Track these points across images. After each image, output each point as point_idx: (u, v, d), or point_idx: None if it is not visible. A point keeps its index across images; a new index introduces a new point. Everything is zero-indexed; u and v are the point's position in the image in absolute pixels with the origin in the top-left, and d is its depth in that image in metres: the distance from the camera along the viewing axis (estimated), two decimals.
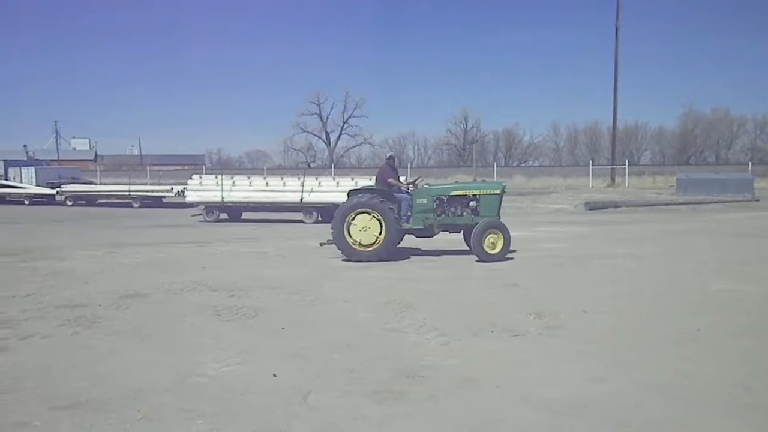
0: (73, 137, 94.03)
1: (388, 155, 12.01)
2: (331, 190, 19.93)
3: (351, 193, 11.18)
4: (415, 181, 11.69)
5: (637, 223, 18.04)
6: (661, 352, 5.37)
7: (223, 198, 20.43)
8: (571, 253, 11.33)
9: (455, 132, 79.68)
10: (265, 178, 22.14)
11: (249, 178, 22.25)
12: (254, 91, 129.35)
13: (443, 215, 11.09)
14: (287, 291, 8.08)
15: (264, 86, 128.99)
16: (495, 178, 41.47)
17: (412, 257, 11.09)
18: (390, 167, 11.51)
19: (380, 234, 10.58)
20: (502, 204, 11.36)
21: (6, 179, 33.59)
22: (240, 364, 5.11)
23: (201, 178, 22.66)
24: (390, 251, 10.67)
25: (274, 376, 4.79)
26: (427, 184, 11.87)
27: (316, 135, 78.20)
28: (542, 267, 9.90)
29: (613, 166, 39.02)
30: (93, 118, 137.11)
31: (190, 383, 4.66)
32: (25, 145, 66.05)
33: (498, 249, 10.39)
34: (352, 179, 20.71)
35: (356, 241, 10.62)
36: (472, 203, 11.10)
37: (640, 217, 20.41)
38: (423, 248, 12.07)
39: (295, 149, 77.82)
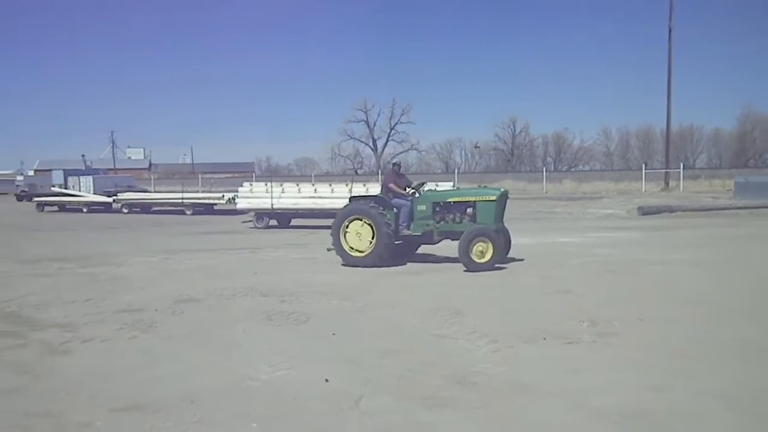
0: (129, 147, 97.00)
1: (393, 162, 12.00)
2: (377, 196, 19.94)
3: (352, 199, 11.42)
4: (418, 186, 11.42)
5: (693, 228, 17.50)
6: (723, 362, 5.19)
7: (272, 205, 20.70)
8: (625, 259, 11.07)
9: (503, 137, 79.06)
10: (313, 185, 22.36)
11: (298, 185, 22.51)
12: (302, 100, 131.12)
13: (442, 222, 10.87)
14: (337, 297, 8.13)
15: (312, 94, 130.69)
16: (544, 183, 41.08)
17: (459, 263, 10.99)
18: (395, 174, 11.57)
19: (372, 240, 10.65)
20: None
21: (66, 188, 34.90)
22: (292, 368, 5.16)
23: (251, 185, 23.02)
24: (382, 257, 10.60)
25: (326, 381, 4.82)
26: (429, 190, 11.69)
27: (363, 142, 78.88)
28: (595, 273, 9.70)
29: (667, 170, 37.99)
30: (147, 127, 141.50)
31: (244, 387, 4.74)
32: (83, 155, 68.35)
33: (487, 258, 9.97)
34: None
35: (352, 247, 10.81)
36: (470, 210, 10.77)
37: (696, 222, 19.79)
38: None
39: (342, 156, 78.63)
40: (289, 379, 4.91)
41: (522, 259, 11.18)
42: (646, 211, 23.13)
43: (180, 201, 28.70)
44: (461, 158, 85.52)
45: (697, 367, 5.07)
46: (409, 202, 11.01)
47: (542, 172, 46.69)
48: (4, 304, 7.82)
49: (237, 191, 23.67)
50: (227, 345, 5.98)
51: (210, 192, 34.94)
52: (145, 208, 29.82)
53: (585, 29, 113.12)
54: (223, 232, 19.49)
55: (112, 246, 15.03)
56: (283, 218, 21.07)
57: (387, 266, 10.56)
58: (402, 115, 76.86)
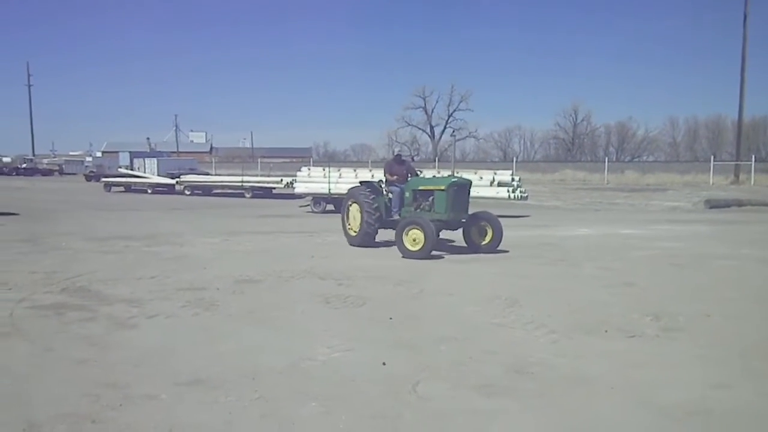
0: (191, 130, 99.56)
1: (396, 151, 12.61)
2: None
3: (361, 184, 12.13)
4: (412, 174, 11.88)
5: (764, 223, 16.79)
6: None
7: (329, 190, 20.89)
8: (691, 253, 10.71)
9: (564, 125, 77.38)
10: (370, 171, 22.44)
11: (355, 170, 22.66)
12: (360, 85, 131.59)
13: (418, 209, 11.06)
14: (392, 282, 8.15)
15: (370, 80, 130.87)
16: (606, 174, 39.99)
17: (519, 251, 10.87)
18: (395, 162, 12.02)
19: (361, 222, 11.35)
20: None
21: (131, 169, 36.10)
22: (349, 351, 5.20)
23: (309, 170, 23.34)
24: (364, 239, 11.31)
25: (383, 364, 4.84)
26: (420, 177, 12.10)
27: (420, 128, 78.36)
28: (659, 266, 9.42)
29: (738, 162, 36.41)
30: (209, 111, 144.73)
31: (303, 367, 4.81)
32: (147, 138, 70.48)
33: (420, 246, 9.99)
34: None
35: (350, 227, 11.69)
36: (431, 199, 10.94)
37: (766, 217, 18.96)
38: (532, 243, 11.81)
39: (399, 143, 78.30)
40: (346, 361, 4.95)
41: (581, 250, 10.95)
42: (713, 205, 22.34)
43: (240, 184, 29.30)
44: (520, 147, 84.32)
45: (764, 366, 4.87)
46: (400, 189, 11.42)
47: (604, 162, 45.50)
48: (75, 279, 8.15)
49: (295, 176, 24.02)
50: (286, 325, 6.08)
51: (268, 176, 35.50)
52: (206, 190, 30.57)
53: (652, 15, 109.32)
54: (281, 215, 19.80)
55: (175, 226, 15.47)
56: (339, 203, 21.19)
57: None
58: (461, 102, 75.89)
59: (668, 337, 5.69)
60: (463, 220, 10.98)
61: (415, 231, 10.11)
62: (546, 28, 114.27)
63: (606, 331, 5.83)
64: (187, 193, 30.38)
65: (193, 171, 35.06)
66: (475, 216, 11.04)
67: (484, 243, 10.83)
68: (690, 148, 76.10)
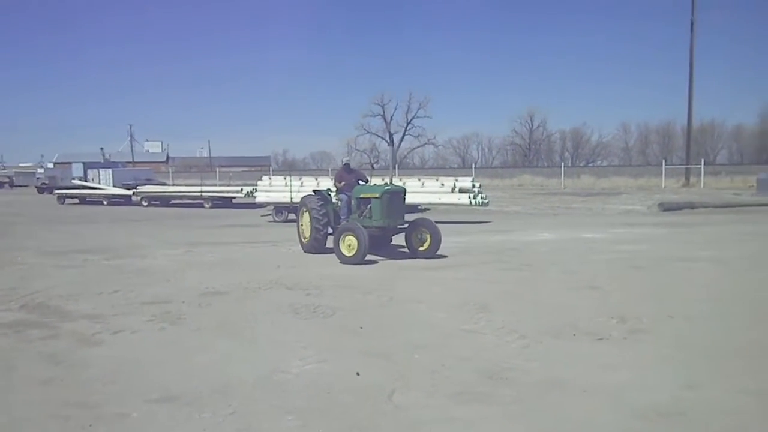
0: (147, 140, 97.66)
1: (344, 161, 12.96)
2: None
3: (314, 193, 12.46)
4: (363, 181, 12.17)
5: (717, 225, 17.31)
6: (757, 360, 5.14)
7: (291, 198, 20.71)
8: (650, 256, 10.96)
9: (520, 132, 78.59)
10: (332, 179, 22.35)
11: (317, 179, 22.51)
12: (319, 94, 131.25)
13: (362, 217, 11.31)
14: (361, 290, 8.13)
15: (329, 88, 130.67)
16: (562, 179, 40.70)
17: (484, 257, 10.98)
18: (345, 171, 12.29)
19: (310, 229, 11.74)
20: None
21: (86, 181, 35.21)
22: (322, 362, 5.16)
23: (270, 179, 23.10)
24: (314, 246, 11.66)
25: (358, 374, 4.82)
26: (364, 184, 12.24)
27: (379, 136, 78.48)
28: (621, 269, 9.62)
29: (688, 166, 37.55)
30: (164, 121, 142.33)
31: (277, 380, 4.75)
32: (101, 148, 68.64)
33: (354, 252, 10.31)
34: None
35: (302, 234, 12.03)
36: (369, 206, 11.24)
37: (718, 219, 19.56)
38: (496, 249, 11.94)
39: (358, 150, 78.28)
40: (320, 373, 4.91)
41: (545, 255, 11.12)
42: (667, 207, 22.91)
43: (199, 194, 28.84)
44: (478, 153, 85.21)
45: (732, 365, 5.01)
46: (347, 197, 11.72)
47: (560, 167, 46.30)
48: (34, 295, 7.90)
49: (255, 185, 23.78)
50: (256, 338, 6.01)
51: (228, 185, 35.07)
52: (164, 201, 30.00)
53: (605, 24, 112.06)
54: (243, 225, 19.57)
55: (135, 238, 15.14)
56: None
57: (319, 254, 11.43)
58: (419, 109, 76.29)
59: (635, 339, 5.80)
60: (402, 227, 11.33)
61: (349, 237, 10.47)
62: (501, 37, 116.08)
63: (574, 335, 5.92)
64: (145, 204, 29.75)
65: (149, 181, 34.37)
66: (415, 223, 11.34)
67: (422, 249, 11.03)
68: (642, 152, 78.08)
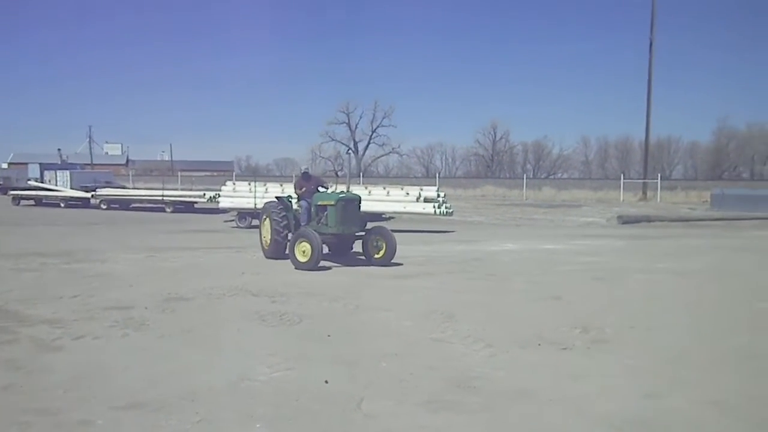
0: (106, 142, 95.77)
1: (303, 169, 13.36)
2: (363, 198, 19.98)
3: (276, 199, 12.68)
4: (320, 187, 12.38)
5: (673, 238, 17.78)
6: (717, 370, 5.29)
7: (255, 204, 20.56)
8: (611, 267, 11.21)
9: (483, 143, 79.54)
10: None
11: (281, 185, 22.36)
12: (283, 100, 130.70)
13: (320, 224, 11.45)
14: (327, 298, 8.10)
15: (293, 95, 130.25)
16: (524, 190, 41.28)
17: (450, 266, 11.07)
18: (303, 179, 12.56)
19: (270, 234, 11.92)
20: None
21: (42, 182, 34.32)
22: (290, 369, 5.13)
23: (234, 184, 22.89)
24: (275, 251, 11.75)
25: (326, 382, 4.81)
26: (324, 191, 12.49)
27: (344, 144, 78.58)
28: (582, 281, 9.81)
29: (645, 180, 38.53)
30: (125, 123, 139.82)
31: (244, 387, 4.70)
32: (59, 149, 67.03)
33: (308, 257, 10.44)
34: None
35: (265, 240, 12.14)
36: (326, 213, 11.43)
37: (674, 232, 20.11)
38: (461, 258, 12.04)
39: (323, 158, 78.23)
40: (288, 380, 4.88)
41: (509, 265, 11.27)
42: (626, 220, 23.46)
43: (160, 198, 28.41)
44: (442, 163, 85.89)
45: (692, 375, 5.15)
46: (307, 204, 11.89)
47: (522, 178, 47.00)
48: None
49: (218, 190, 23.53)
50: (222, 345, 5.94)
51: (190, 190, 34.59)
52: (124, 204, 29.47)
53: (566, 38, 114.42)
54: (206, 230, 19.33)
55: (95, 242, 14.82)
56: None
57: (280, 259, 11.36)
58: (384, 118, 76.85)
59: (598, 348, 5.92)
60: (359, 234, 11.50)
61: (304, 243, 10.56)
62: (465, 48, 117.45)
63: (539, 345, 6.01)
64: (104, 207, 29.17)
65: (109, 184, 33.71)
66: (371, 231, 11.49)
67: (377, 256, 11.17)
68: (601, 166, 79.83)
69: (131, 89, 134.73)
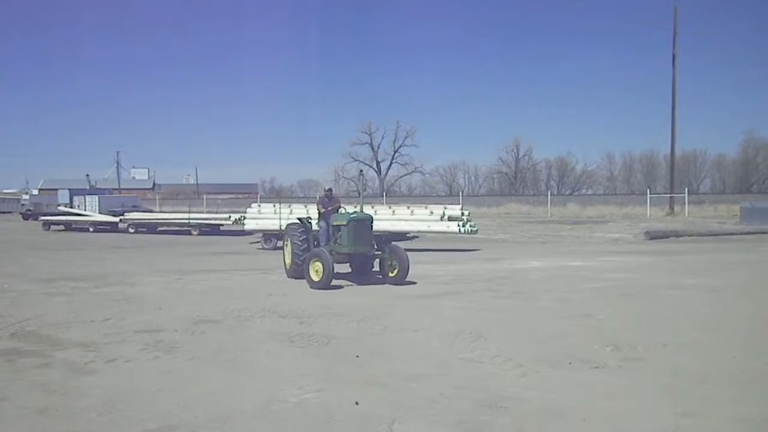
0: (133, 167, 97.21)
1: (326, 188, 13.70)
2: (387, 218, 20.07)
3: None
4: (336, 208, 12.64)
5: (703, 253, 17.50)
6: (752, 388, 5.18)
7: (281, 226, 20.68)
8: (640, 284, 11.06)
9: (506, 160, 79.21)
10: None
11: (306, 206, 22.54)
12: (306, 121, 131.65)
13: (336, 244, 11.67)
14: (355, 319, 8.11)
15: (316, 116, 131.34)
16: (549, 207, 41.01)
17: (477, 285, 11.01)
18: (326, 198, 12.86)
19: (291, 255, 12.11)
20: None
21: (71, 207, 34.98)
22: (320, 391, 5.14)
23: (259, 206, 23.12)
24: (296, 271, 11.76)
25: (356, 404, 4.80)
26: (344, 212, 12.76)
27: (367, 164, 78.88)
28: (612, 297, 9.68)
29: (672, 195, 38.02)
30: (151, 147, 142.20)
31: (275, 409, 4.72)
32: (87, 175, 68.25)
33: (320, 277, 10.62)
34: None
35: (287, 262, 12.37)
36: (340, 233, 11.62)
37: (704, 247, 19.79)
38: (487, 277, 11.98)
39: (346, 178, 78.59)
40: (318, 402, 4.88)
41: (536, 283, 11.17)
42: (653, 236, 23.15)
43: (187, 221, 28.76)
44: (465, 181, 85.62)
45: (727, 393, 5.04)
46: (326, 224, 12.17)
47: (546, 195, 46.74)
48: (24, 323, 7.80)
49: (243, 212, 23.77)
50: (252, 366, 5.97)
51: (216, 212, 34.97)
52: (151, 228, 29.89)
53: (588, 55, 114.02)
54: (232, 252, 19.50)
55: (124, 265, 15.03)
56: None
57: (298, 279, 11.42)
58: (406, 138, 77.06)
59: (630, 367, 5.84)
60: (372, 253, 11.64)
61: (317, 263, 10.78)
62: (486, 66, 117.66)
63: (570, 363, 5.94)
64: (131, 231, 29.62)
65: (136, 208, 34.26)
66: (386, 250, 11.60)
67: (392, 275, 11.30)
68: (626, 181, 78.84)
69: (157, 114, 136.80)
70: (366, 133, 77.45)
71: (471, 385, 5.30)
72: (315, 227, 12.46)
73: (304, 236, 12.14)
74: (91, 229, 31.34)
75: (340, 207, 12.89)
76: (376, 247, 11.70)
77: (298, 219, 12.90)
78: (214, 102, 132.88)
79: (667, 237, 23.25)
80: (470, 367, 5.86)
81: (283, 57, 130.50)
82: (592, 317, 8.14)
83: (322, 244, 11.94)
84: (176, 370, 5.79)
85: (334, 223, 11.81)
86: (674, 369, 5.75)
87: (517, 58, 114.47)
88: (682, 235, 23.58)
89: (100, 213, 32.88)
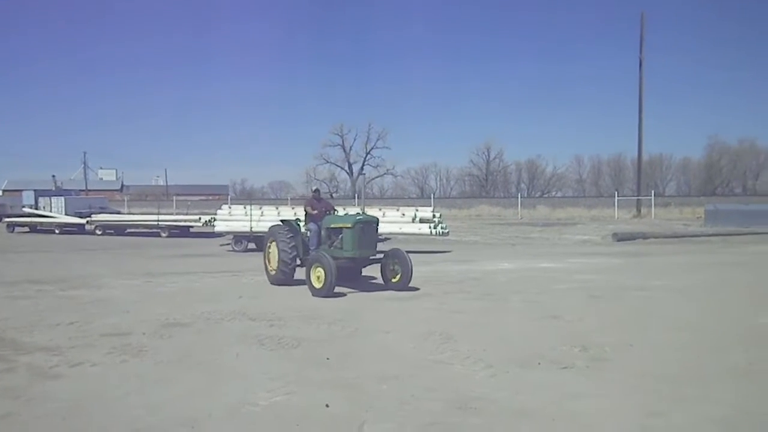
0: (101, 168, 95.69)
1: (313, 188, 13.20)
2: None
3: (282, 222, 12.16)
4: (327, 210, 11.96)
5: (669, 255, 17.83)
6: (717, 387, 5.28)
7: (252, 228, 20.58)
8: (607, 285, 11.22)
9: (477, 163, 79.82)
10: (293, 208, 22.31)
11: (277, 208, 22.47)
12: (277, 123, 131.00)
13: (331, 247, 11.05)
14: (326, 321, 8.09)
15: (287, 118, 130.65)
16: (519, 209, 41.41)
17: (447, 286, 11.06)
18: (314, 199, 12.29)
19: (278, 260, 11.34)
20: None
21: (37, 209, 34.24)
22: (290, 394, 5.11)
23: (230, 208, 22.92)
24: (281, 278, 11.26)
25: (327, 406, 4.79)
26: (336, 214, 12.19)
27: (338, 166, 78.88)
28: (580, 299, 9.81)
29: (639, 197, 38.73)
30: (119, 148, 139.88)
31: (245, 412, 4.68)
32: (53, 176, 67.09)
33: (322, 284, 10.06)
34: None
35: (271, 266, 11.62)
36: (340, 236, 10.97)
37: (670, 248, 20.17)
38: (458, 279, 12.03)
39: (318, 180, 78.41)
40: (289, 405, 4.86)
41: (506, 285, 11.26)
42: (621, 238, 23.50)
43: (155, 223, 28.36)
44: (436, 183, 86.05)
45: (692, 392, 5.14)
46: (317, 227, 11.49)
47: (516, 197, 47.20)
48: None
49: (214, 214, 23.54)
50: (221, 370, 5.90)
51: (185, 214, 34.55)
52: (119, 230, 29.42)
53: (558, 58, 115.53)
54: (202, 255, 19.29)
55: (90, 268, 14.76)
56: (262, 241, 20.84)
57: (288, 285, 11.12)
58: (378, 140, 77.22)
59: (598, 367, 5.92)
60: (374, 257, 11.07)
61: (318, 269, 10.20)
62: (458, 69, 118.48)
63: (539, 364, 6.00)
64: (99, 232, 29.10)
65: (103, 210, 33.65)
66: (388, 254, 11.10)
67: (394, 281, 10.87)
68: (595, 184, 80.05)
69: (125, 114, 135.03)
70: (338, 134, 77.52)
71: (441, 386, 5.32)
72: (303, 229, 11.78)
73: (293, 239, 11.37)
74: (57, 231, 30.72)
75: (334, 209, 12.28)
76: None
77: (283, 221, 12.15)
78: (183, 103, 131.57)
79: (635, 239, 23.64)
80: (441, 369, 5.88)
81: (254, 58, 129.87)
82: (561, 318, 8.24)
83: (312, 248, 11.33)
84: (144, 374, 5.71)
85: (333, 226, 11.17)
86: (641, 369, 5.84)
87: (489, 61, 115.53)
88: (648, 237, 23.99)
89: (66, 215, 32.20)
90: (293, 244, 11.32)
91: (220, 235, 22.62)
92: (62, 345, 6.74)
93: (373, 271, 11.65)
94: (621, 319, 8.22)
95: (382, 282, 11.16)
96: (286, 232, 11.47)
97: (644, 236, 24.16)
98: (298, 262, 11.36)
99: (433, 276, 12.72)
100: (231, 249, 20.74)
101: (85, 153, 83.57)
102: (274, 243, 11.56)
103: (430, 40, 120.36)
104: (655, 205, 37.96)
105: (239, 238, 20.83)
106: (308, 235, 11.60)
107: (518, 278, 12.42)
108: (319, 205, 12.03)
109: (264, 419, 4.55)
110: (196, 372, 5.82)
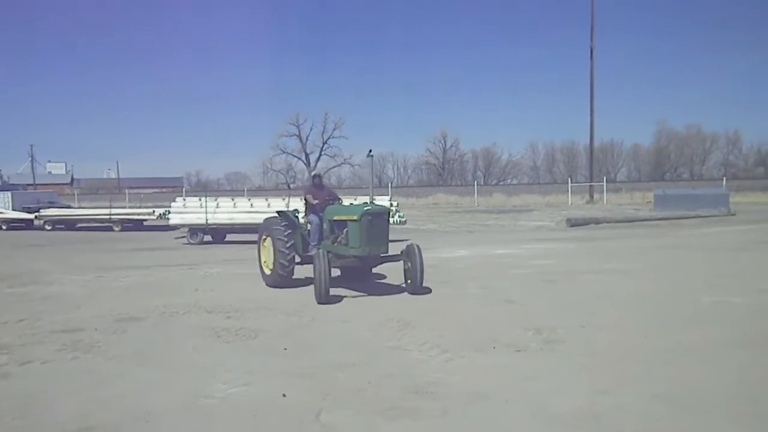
0: (49, 161, 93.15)
1: (313, 174, 11.76)
2: None
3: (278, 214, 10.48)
4: (331, 199, 10.42)
5: (620, 238, 18.29)
6: (662, 365, 5.48)
7: (207, 220, 20.29)
8: (561, 269, 11.46)
9: (434, 151, 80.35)
10: (249, 200, 22.09)
11: (233, 199, 22.17)
12: (233, 114, 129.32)
13: (335, 243, 9.48)
14: (284, 312, 8.06)
15: (242, 108, 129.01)
16: (476, 197, 41.86)
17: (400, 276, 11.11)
18: (315, 186, 10.80)
19: (273, 258, 9.92)
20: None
21: None
22: (247, 385, 5.10)
23: (185, 200, 22.51)
24: (279, 279, 9.82)
25: (284, 395, 4.79)
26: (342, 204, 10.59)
27: (295, 156, 78.29)
28: (534, 283, 10.00)
29: (591, 183, 39.64)
30: (68, 141, 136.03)
31: (201, 405, 4.65)
32: None
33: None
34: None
35: (265, 263, 10.21)
36: (345, 230, 9.33)
37: (621, 232, 20.69)
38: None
39: (274, 170, 77.83)
40: (245, 396, 4.85)
41: (462, 271, 11.40)
42: (574, 223, 23.98)
43: (108, 217, 27.71)
44: (394, 172, 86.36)
45: (639, 371, 5.32)
46: (319, 219, 10.08)
47: (473, 185, 47.68)
48: None
49: (168, 206, 23.12)
50: (177, 363, 5.84)
51: (139, 207, 33.84)
52: (70, 224, 28.63)
53: (511, 44, 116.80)
54: (156, 248, 18.94)
55: (39, 264, 14.36)
56: (218, 234, 20.64)
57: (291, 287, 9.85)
58: (334, 129, 76.87)
59: (550, 349, 6.07)
60: (386, 255, 9.39)
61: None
62: (413, 58, 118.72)
63: (494, 347, 6.12)
64: (48, 228, 28.26)
65: (53, 204, 32.66)
66: (404, 251, 9.47)
67: (410, 282, 9.30)
68: (549, 171, 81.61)
69: (74, 107, 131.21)
70: (294, 125, 76.89)
71: (398, 372, 5.38)
72: (302, 221, 10.37)
73: (290, 234, 9.81)
74: (3, 227, 29.70)
75: (339, 199, 10.64)
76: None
77: (280, 213, 10.35)
78: (135, 95, 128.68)
79: (587, 224, 24.16)
80: (397, 355, 5.94)
81: (208, 49, 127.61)
82: (516, 303, 8.40)
83: (313, 243, 9.94)
84: (96, 370, 5.61)
85: (335, 218, 9.57)
86: (592, 349, 6.01)
87: (443, 49, 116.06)
88: (601, 222, 24.56)
89: (13, 210, 31.19)
90: (291, 242, 9.78)
91: (174, 228, 22.22)
92: (10, 343, 6.56)
93: (383, 269, 10.53)
94: (573, 302, 8.42)
95: (394, 283, 10.05)
96: (282, 226, 9.90)
97: (596, 221, 24.72)
98: (298, 260, 10.01)
99: (390, 264, 12.75)
100: (186, 242, 20.41)
101: (32, 146, 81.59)
102: (269, 238, 10.03)
103: (385, 29, 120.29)
104: (607, 190, 38.93)
105: (195, 230, 20.49)
106: (308, 228, 10.25)
107: (475, 265, 12.58)
108: (320, 194, 10.44)
109: (220, 411, 4.53)
110: (150, 366, 5.75)
